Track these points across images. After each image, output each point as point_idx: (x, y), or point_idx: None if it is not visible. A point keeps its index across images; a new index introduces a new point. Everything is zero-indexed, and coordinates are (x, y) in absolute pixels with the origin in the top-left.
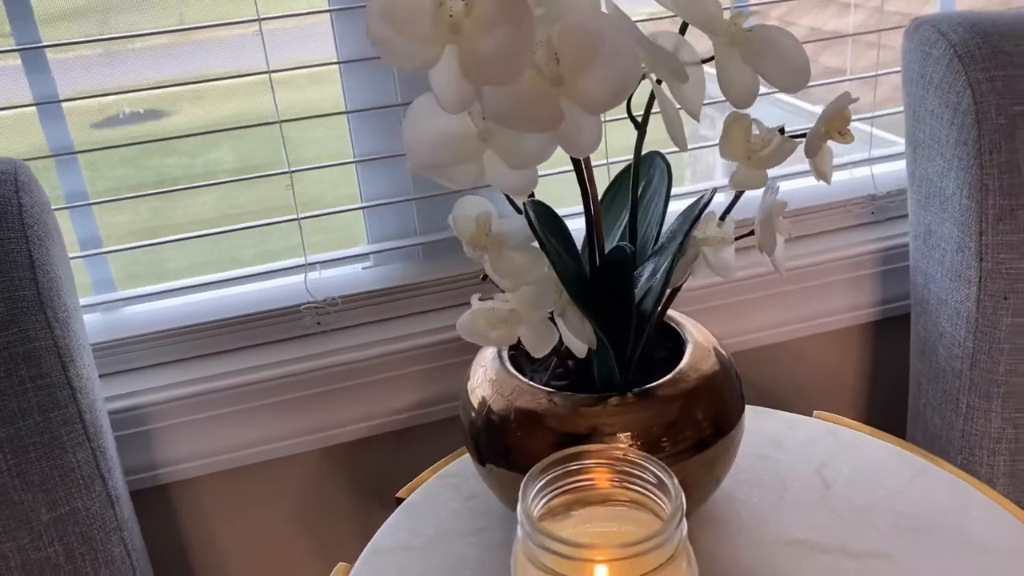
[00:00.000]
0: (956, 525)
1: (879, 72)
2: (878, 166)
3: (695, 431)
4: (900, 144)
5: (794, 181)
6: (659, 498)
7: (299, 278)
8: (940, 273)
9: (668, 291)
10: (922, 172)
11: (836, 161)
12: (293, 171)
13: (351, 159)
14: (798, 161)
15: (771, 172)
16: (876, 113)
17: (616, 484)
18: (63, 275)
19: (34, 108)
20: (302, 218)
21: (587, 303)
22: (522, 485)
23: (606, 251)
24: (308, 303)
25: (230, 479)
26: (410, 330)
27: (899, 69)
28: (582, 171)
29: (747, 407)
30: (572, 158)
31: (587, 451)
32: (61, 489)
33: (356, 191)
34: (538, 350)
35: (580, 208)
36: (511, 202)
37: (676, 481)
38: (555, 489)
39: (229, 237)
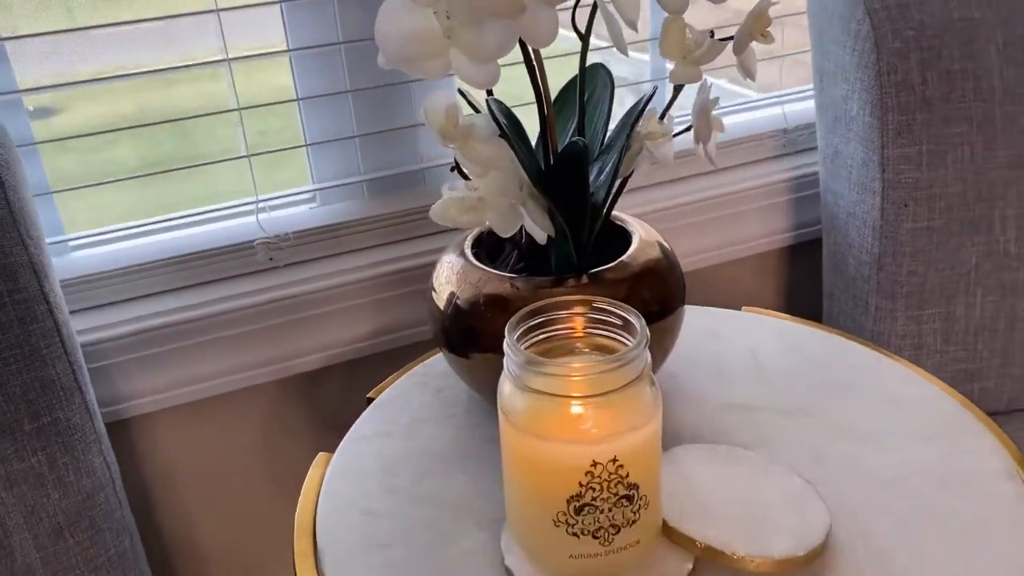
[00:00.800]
0: (872, 384)
1: (785, 14)
2: (788, 105)
3: (643, 308)
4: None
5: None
6: (627, 339)
7: (251, 218)
8: (847, 189)
9: (618, 182)
10: (828, 99)
11: (751, 103)
12: (242, 108)
13: (295, 99)
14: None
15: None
16: (786, 52)
17: (588, 327)
18: (29, 199)
19: None
20: (252, 155)
21: (547, 193)
22: (506, 330)
23: (559, 149)
24: (261, 239)
25: (190, 412)
26: (359, 263)
27: (804, 10)
28: (535, 72)
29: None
30: (526, 62)
31: (562, 301)
32: (42, 400)
33: (300, 136)
34: (505, 231)
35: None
36: (471, 104)
37: (641, 317)
38: (534, 335)
39: (180, 183)
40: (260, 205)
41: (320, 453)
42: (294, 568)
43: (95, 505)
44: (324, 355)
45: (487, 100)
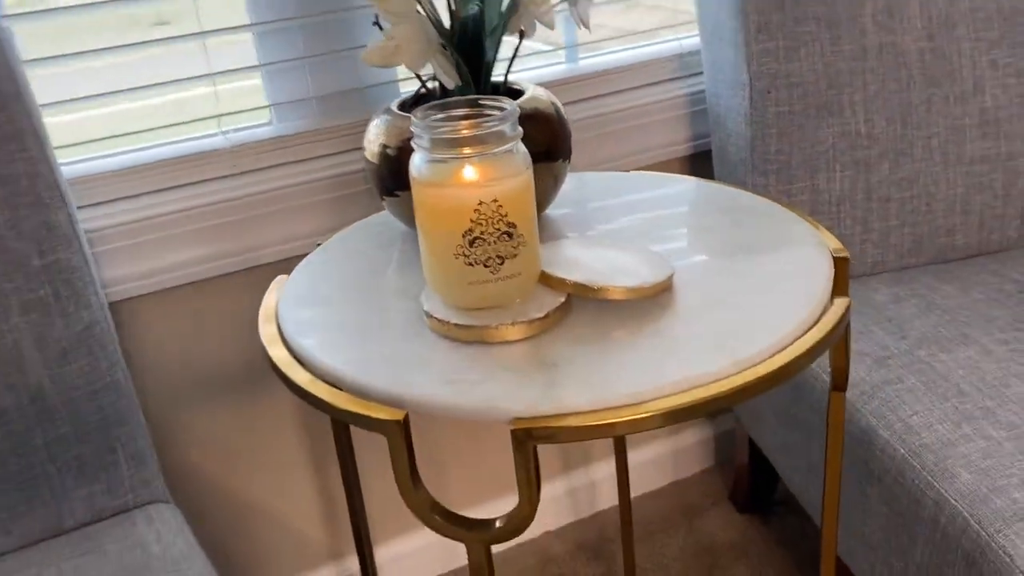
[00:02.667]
0: (726, 203)
1: None
2: (684, 41)
3: (534, 147)
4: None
5: (626, 52)
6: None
7: (216, 131)
8: (724, 87)
9: (505, 36)
10: (706, 14)
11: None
12: (205, 32)
13: (249, 23)
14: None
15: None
16: None
17: (475, 121)
18: (28, 85)
19: None
20: (216, 74)
21: (453, 49)
22: (414, 114)
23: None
24: (227, 147)
25: (167, 298)
26: (312, 168)
27: None
28: None
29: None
30: None
31: (455, 100)
32: (48, 241)
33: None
34: (416, 67)
35: None
36: None
37: (511, 101)
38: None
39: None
40: (223, 123)
41: (278, 276)
42: (267, 355)
43: (92, 336)
44: (285, 247)
45: None
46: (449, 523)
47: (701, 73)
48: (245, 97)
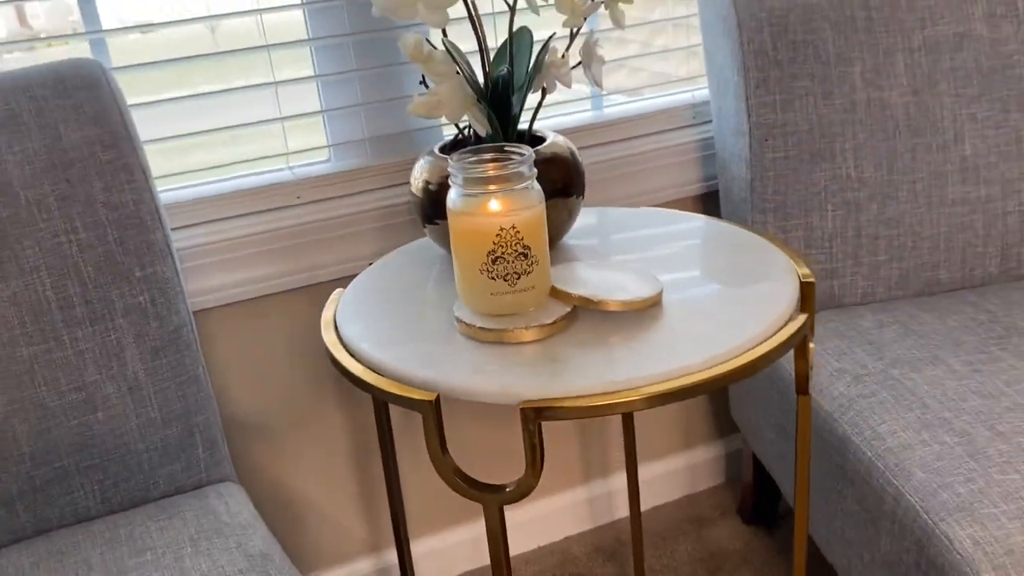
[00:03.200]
0: (719, 237)
1: (691, 14)
2: (697, 92)
3: (551, 185)
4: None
5: (643, 101)
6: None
7: (284, 171)
8: (728, 134)
9: (530, 92)
10: (714, 69)
11: (669, 87)
12: (278, 82)
13: (312, 76)
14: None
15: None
16: (691, 45)
17: (500, 163)
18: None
19: None
20: (285, 117)
21: (485, 104)
22: (451, 159)
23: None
24: (292, 180)
25: (240, 309)
26: (366, 199)
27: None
28: (474, 20)
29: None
30: (471, 19)
31: (485, 147)
32: (147, 256)
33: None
34: (454, 118)
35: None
36: (432, 45)
37: (528, 148)
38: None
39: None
40: (290, 159)
41: (337, 289)
42: (328, 352)
43: (180, 337)
44: (340, 267)
45: (443, 39)
46: (469, 486)
47: (711, 121)
48: (309, 137)
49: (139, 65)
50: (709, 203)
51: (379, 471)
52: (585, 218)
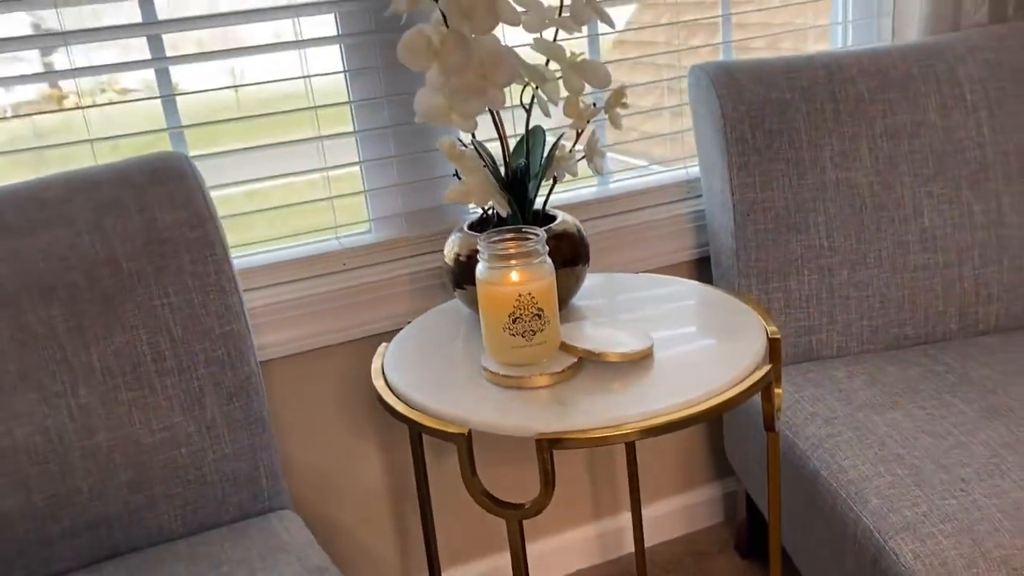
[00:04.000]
0: (704, 303)
1: (683, 103)
2: (691, 169)
3: (562, 256)
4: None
5: (648, 175)
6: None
7: (332, 241)
8: (716, 208)
9: (543, 180)
10: (704, 153)
11: (667, 166)
12: (327, 168)
13: (357, 161)
14: (642, 171)
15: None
16: (685, 130)
17: (519, 243)
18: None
19: None
20: (334, 197)
21: (506, 190)
22: (479, 239)
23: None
24: (339, 249)
25: (296, 360)
26: (403, 265)
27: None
28: (498, 126)
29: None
30: (493, 121)
31: (506, 228)
32: (225, 316)
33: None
34: (482, 203)
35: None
36: (463, 144)
37: (540, 231)
38: (492, 243)
39: (289, 221)
40: (338, 231)
41: (382, 344)
42: (379, 398)
43: (250, 384)
44: (381, 324)
45: (472, 140)
46: (494, 504)
47: (702, 195)
48: (353, 212)
49: (213, 155)
50: (702, 267)
51: (412, 508)
52: (591, 281)
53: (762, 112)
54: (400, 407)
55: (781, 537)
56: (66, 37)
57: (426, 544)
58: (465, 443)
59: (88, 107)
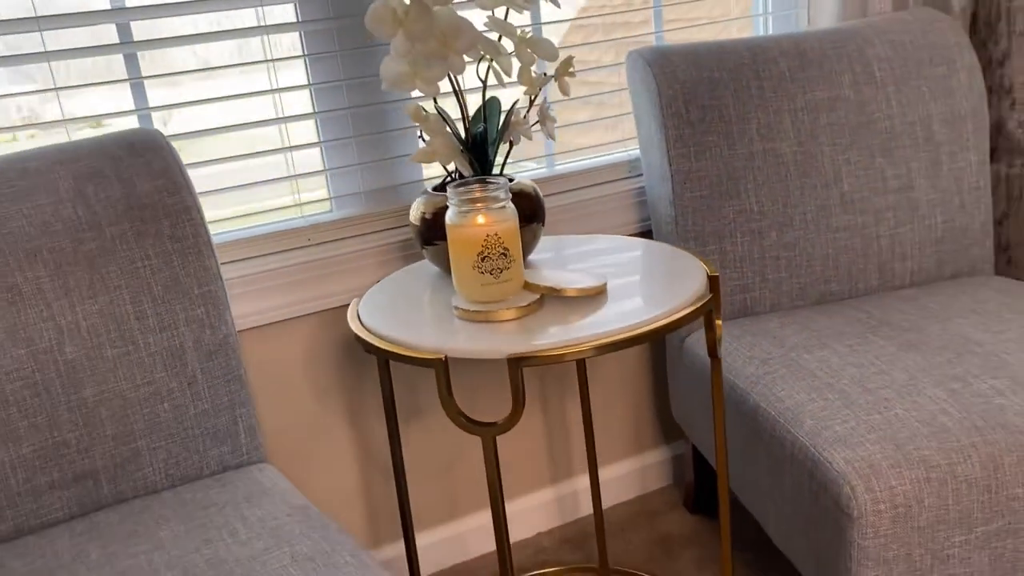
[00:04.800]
0: (647, 253)
1: (622, 88)
2: (631, 151)
3: (520, 212)
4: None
5: (593, 158)
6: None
7: (298, 219)
8: (655, 181)
9: (500, 144)
10: (643, 130)
11: (611, 150)
12: (291, 147)
13: (318, 142)
14: (597, 149)
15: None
16: (626, 112)
17: (483, 191)
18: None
19: None
20: (297, 176)
21: (469, 152)
22: (449, 188)
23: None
24: (304, 226)
25: (265, 330)
26: (363, 240)
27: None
28: (458, 93)
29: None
30: (454, 89)
31: (472, 178)
32: (203, 278)
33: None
34: (446, 162)
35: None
36: (425, 110)
37: (504, 179)
38: (460, 190)
39: (256, 200)
40: (302, 209)
41: (354, 299)
42: (357, 337)
43: (227, 343)
44: (344, 296)
45: (434, 105)
46: (470, 423)
47: (642, 174)
48: (316, 191)
49: (188, 134)
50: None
51: (379, 476)
52: (544, 243)
53: (695, 90)
54: (379, 342)
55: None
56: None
57: (401, 512)
58: (443, 368)
59: (63, 88)
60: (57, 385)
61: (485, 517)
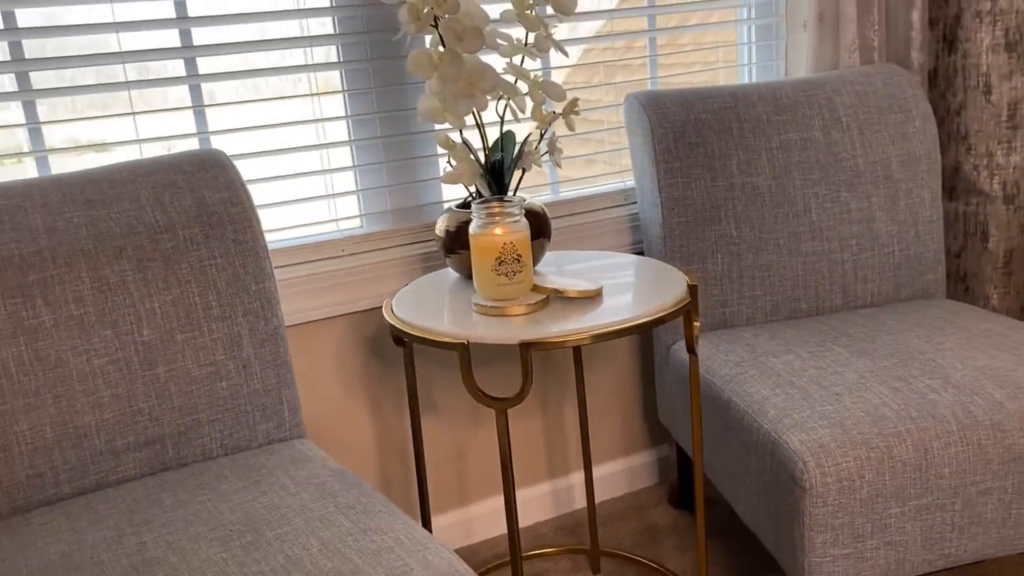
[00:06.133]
0: (646, 269)
1: (619, 126)
2: (628, 181)
3: (531, 228)
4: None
5: (593, 187)
6: (514, 207)
7: (335, 232)
8: (647, 207)
9: (515, 171)
10: (637, 162)
11: (610, 180)
12: (329, 170)
13: (352, 165)
14: (597, 180)
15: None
16: (623, 147)
17: (501, 209)
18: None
19: None
20: (335, 195)
21: (489, 175)
22: (473, 205)
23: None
24: (340, 239)
25: (304, 328)
26: (389, 253)
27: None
28: (480, 127)
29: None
30: (477, 124)
31: (493, 198)
32: (259, 276)
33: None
34: (470, 183)
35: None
36: (452, 139)
37: (520, 199)
38: (483, 206)
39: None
40: (339, 224)
41: (386, 300)
42: (392, 327)
43: (277, 333)
44: (372, 301)
45: (460, 135)
46: (486, 397)
47: (636, 202)
48: (349, 208)
49: (244, 155)
50: None
51: (398, 463)
52: (550, 256)
53: (683, 129)
54: (411, 330)
55: (708, 474)
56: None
57: (419, 491)
58: (464, 351)
59: (137, 113)
60: (135, 362)
61: (491, 505)
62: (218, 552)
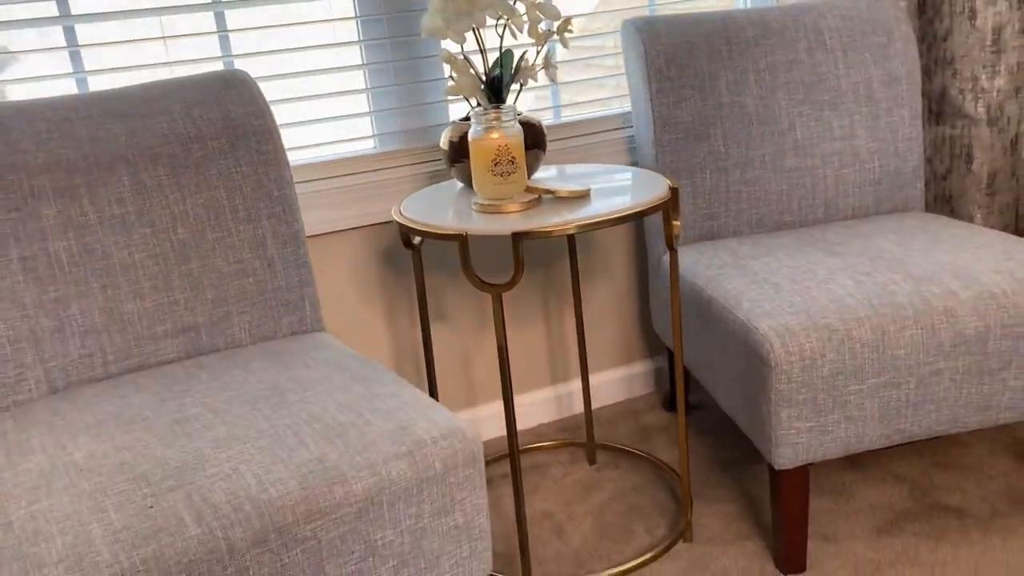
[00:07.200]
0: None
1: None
2: (627, 105)
3: (527, 139)
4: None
5: (592, 112)
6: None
7: (347, 151)
8: (641, 126)
9: (512, 85)
10: (633, 84)
11: (609, 106)
12: (344, 92)
13: (365, 88)
14: (593, 105)
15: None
16: (622, 72)
17: (498, 119)
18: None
19: None
20: (349, 116)
21: (488, 89)
22: (472, 112)
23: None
24: (355, 157)
25: (324, 238)
26: (399, 171)
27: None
28: (480, 43)
29: (545, 148)
30: (476, 40)
31: (491, 108)
32: (281, 182)
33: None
34: (471, 96)
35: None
36: (454, 56)
37: (514, 107)
38: (481, 113)
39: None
40: (355, 144)
41: (394, 206)
42: (400, 225)
43: (298, 236)
44: (383, 215)
45: (461, 51)
46: (482, 283)
47: (632, 126)
48: (363, 129)
49: (265, 77)
50: None
51: (410, 368)
52: (549, 169)
53: (675, 51)
54: (417, 225)
55: (685, 357)
56: None
57: (429, 382)
58: (464, 242)
59: (168, 37)
60: (171, 257)
61: (494, 408)
62: (248, 410)
